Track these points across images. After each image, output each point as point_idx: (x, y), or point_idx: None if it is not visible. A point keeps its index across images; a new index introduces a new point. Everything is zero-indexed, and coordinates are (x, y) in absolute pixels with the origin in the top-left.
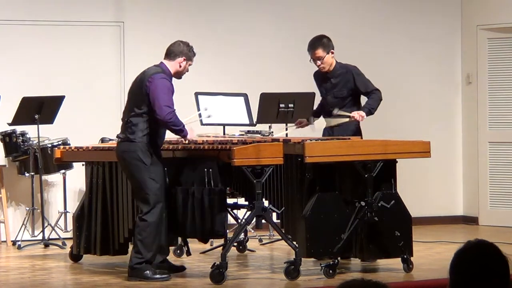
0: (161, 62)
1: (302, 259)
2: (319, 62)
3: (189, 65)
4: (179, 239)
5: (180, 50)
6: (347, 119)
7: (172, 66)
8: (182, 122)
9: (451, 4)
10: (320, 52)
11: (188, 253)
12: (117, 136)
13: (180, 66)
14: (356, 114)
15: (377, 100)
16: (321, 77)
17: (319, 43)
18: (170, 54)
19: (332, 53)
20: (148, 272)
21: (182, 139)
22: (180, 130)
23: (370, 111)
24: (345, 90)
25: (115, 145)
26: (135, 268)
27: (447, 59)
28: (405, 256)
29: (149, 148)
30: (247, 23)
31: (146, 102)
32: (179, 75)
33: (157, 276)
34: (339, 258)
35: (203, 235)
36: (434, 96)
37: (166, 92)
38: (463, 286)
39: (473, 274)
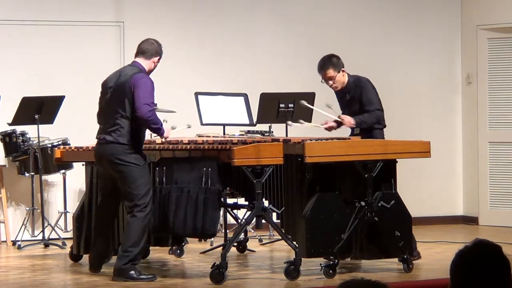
0: (135, 61)
1: (302, 259)
2: (331, 82)
3: (158, 61)
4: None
5: (156, 50)
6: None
7: (147, 65)
8: (160, 120)
9: (451, 4)
10: (331, 72)
11: (182, 253)
12: (102, 138)
13: (154, 65)
14: (346, 118)
15: (373, 119)
16: (339, 93)
17: (329, 63)
18: (146, 53)
19: (343, 71)
20: (133, 272)
21: (170, 139)
22: (158, 128)
23: (360, 123)
24: (356, 106)
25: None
26: (121, 269)
27: (447, 59)
28: (405, 256)
29: (138, 149)
30: (247, 23)
31: (131, 103)
32: (149, 73)
33: (143, 276)
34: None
35: (193, 234)
36: (434, 96)
37: (148, 91)
38: (464, 286)
39: (474, 274)
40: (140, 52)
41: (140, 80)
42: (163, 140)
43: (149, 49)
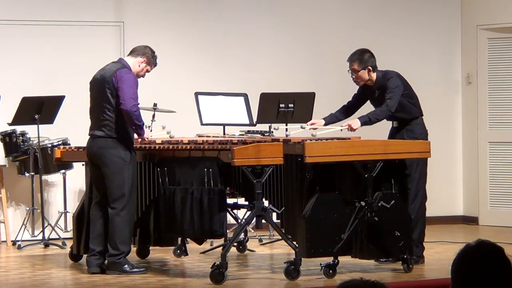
0: (121, 58)
1: (302, 259)
2: (353, 76)
3: (147, 71)
4: (179, 239)
5: (144, 52)
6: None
7: (132, 63)
8: (143, 120)
9: (451, 4)
10: (355, 65)
11: (185, 253)
12: (94, 134)
13: (139, 66)
14: (346, 125)
15: (384, 111)
16: (367, 89)
17: (357, 56)
18: (134, 51)
19: (370, 69)
20: (126, 266)
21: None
22: (140, 126)
23: (369, 120)
24: None
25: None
26: (115, 262)
27: (447, 59)
28: (405, 256)
29: (128, 144)
30: (247, 23)
31: (115, 97)
32: (136, 76)
33: (135, 269)
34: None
35: (202, 235)
36: (434, 96)
37: (132, 86)
38: (465, 286)
39: (475, 274)
40: (130, 51)
41: (124, 75)
42: (146, 139)
43: (138, 48)
